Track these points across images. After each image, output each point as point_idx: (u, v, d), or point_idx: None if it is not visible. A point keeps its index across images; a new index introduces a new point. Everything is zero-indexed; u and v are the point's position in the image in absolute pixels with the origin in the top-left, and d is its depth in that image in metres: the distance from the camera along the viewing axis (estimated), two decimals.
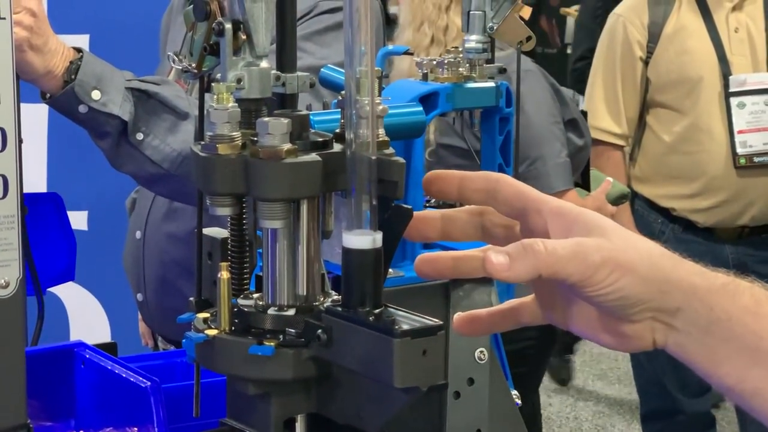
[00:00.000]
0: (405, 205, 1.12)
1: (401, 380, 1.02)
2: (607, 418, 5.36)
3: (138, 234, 2.54)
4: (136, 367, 1.51)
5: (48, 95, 2.05)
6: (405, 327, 1.03)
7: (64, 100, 2.04)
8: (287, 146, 1.07)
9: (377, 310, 1.06)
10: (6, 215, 1.03)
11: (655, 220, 4.00)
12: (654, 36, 3.99)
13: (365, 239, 1.06)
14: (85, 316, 3.16)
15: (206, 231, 1.21)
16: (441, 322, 1.06)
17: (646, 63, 3.99)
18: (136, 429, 1.44)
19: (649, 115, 4.02)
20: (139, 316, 2.74)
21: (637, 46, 3.98)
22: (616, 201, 3.60)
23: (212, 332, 1.11)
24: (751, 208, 3.90)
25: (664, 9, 4.00)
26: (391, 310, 1.07)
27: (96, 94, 2.01)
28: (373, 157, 1.06)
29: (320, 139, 1.11)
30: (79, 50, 2.06)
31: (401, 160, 1.11)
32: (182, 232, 2.41)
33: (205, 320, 1.14)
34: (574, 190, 3.23)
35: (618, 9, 4.24)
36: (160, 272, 2.48)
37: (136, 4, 3.06)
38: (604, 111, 3.98)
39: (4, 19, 1.03)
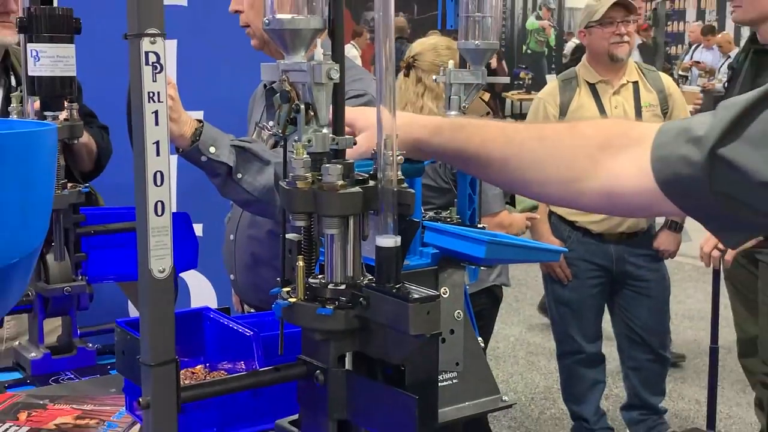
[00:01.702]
0: (414, 219, 1.15)
1: (414, 329, 1.04)
2: (535, 357, 5.33)
3: (231, 236, 2.55)
4: (242, 323, 1.53)
5: (180, 150, 2.07)
6: (416, 296, 1.05)
7: (191, 154, 2.06)
8: (340, 182, 1.09)
9: (398, 285, 1.09)
10: (163, 226, 1.05)
11: (564, 229, 3.96)
12: (563, 111, 3.95)
13: (390, 240, 1.09)
14: (201, 291, 3.17)
15: (288, 236, 1.20)
16: (438, 293, 1.09)
17: None
18: (242, 363, 1.45)
19: None
20: (232, 291, 2.75)
21: (552, 117, 3.96)
22: (531, 209, 3.65)
23: (293, 300, 1.12)
24: (626, 221, 3.86)
25: (569, 94, 3.97)
26: (407, 285, 1.09)
27: (212, 150, 2.04)
28: (395, 189, 1.09)
29: (361, 178, 1.12)
30: (200, 121, 2.08)
31: (412, 191, 1.12)
32: (259, 234, 2.43)
33: (287, 292, 1.14)
34: (505, 210, 3.24)
35: (540, 94, 4.20)
36: (245, 261, 2.50)
37: (232, 89, 3.06)
38: None
39: (162, 102, 1.03)
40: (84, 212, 2.09)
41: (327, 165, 1.10)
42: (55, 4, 2.46)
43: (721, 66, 11.57)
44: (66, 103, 2.02)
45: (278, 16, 1.14)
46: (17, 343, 2.17)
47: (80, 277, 2.07)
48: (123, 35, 1.03)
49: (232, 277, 2.61)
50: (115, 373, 2.03)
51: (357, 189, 1.10)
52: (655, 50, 12.49)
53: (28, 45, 1.94)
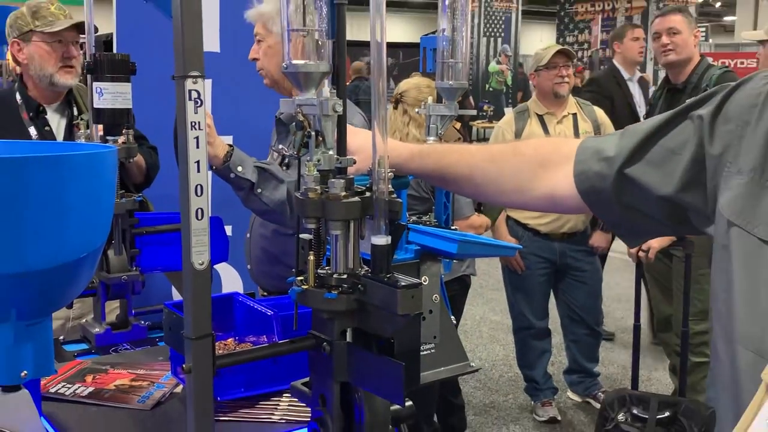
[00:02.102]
0: (401, 223, 1.15)
1: (401, 310, 1.04)
2: (495, 331, 5.34)
3: (248, 235, 2.55)
4: (264, 305, 1.52)
5: (214, 167, 2.07)
6: (403, 283, 1.05)
7: (223, 171, 2.06)
8: (343, 193, 1.09)
9: (389, 275, 1.08)
10: (203, 228, 1.05)
11: (518, 230, 3.94)
12: (518, 136, 3.93)
13: (383, 239, 1.09)
14: (231, 280, 3.16)
15: (301, 235, 1.17)
16: (420, 281, 1.09)
17: None
18: (264, 337, 1.44)
19: None
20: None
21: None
22: (499, 212, 3.66)
23: (305, 287, 1.12)
24: (568, 223, 3.85)
25: (522, 123, 3.95)
26: (396, 275, 1.08)
27: (239, 169, 2.03)
28: (386, 199, 1.09)
29: (359, 190, 1.12)
30: (231, 145, 2.08)
31: (400, 200, 1.12)
32: (267, 233, 2.42)
33: (300, 281, 1.13)
34: (476, 213, 3.23)
35: (500, 123, 4.16)
36: (258, 254, 2.49)
37: (256, 118, 3.05)
38: None
39: (202, 130, 1.03)
40: (137, 216, 2.09)
41: (333, 180, 1.10)
42: (115, 50, 2.46)
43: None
44: (124, 130, 2.02)
45: (294, 61, 1.14)
46: (83, 320, 2.17)
47: (134, 268, 2.07)
48: (171, 76, 1.03)
49: (249, 267, 2.61)
50: (162, 345, 2.02)
51: (356, 199, 1.10)
52: None
53: (94, 83, 1.94)
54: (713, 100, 1.04)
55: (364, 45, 1.10)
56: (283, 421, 1.44)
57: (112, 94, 1.93)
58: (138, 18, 2.83)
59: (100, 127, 2.01)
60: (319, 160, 1.13)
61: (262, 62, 2.39)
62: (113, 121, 1.96)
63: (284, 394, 1.52)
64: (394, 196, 1.12)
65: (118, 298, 2.08)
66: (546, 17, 25.90)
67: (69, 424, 1.45)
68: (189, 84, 1.01)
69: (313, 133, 1.14)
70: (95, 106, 1.95)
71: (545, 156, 1.26)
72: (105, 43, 3.17)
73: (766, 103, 0.98)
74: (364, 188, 1.13)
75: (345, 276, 1.12)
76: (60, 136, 2.51)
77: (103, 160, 1.25)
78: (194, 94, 1.02)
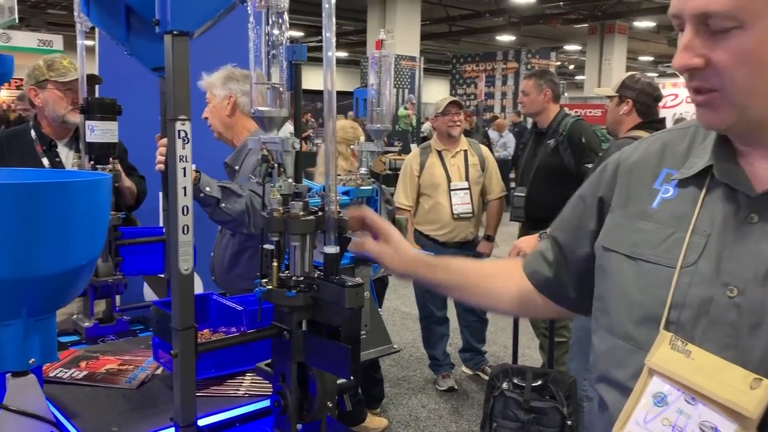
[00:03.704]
0: (346, 236, 1.14)
1: (349, 304, 1.05)
2: (405, 320, 5.36)
3: (212, 254, 2.49)
4: (234, 301, 1.50)
5: None
6: (349, 283, 1.06)
7: (194, 192, 2.00)
8: (301, 213, 1.10)
9: (338, 277, 1.09)
10: (188, 241, 1.03)
11: (422, 239, 3.97)
12: (421, 168, 4.00)
13: (333, 249, 1.10)
14: (196, 284, 3.06)
15: (265, 246, 1.15)
16: (362, 281, 1.09)
17: (418, 177, 3.99)
18: (234, 329, 1.42)
19: (421, 198, 4.01)
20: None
21: (415, 171, 4.00)
22: (405, 223, 3.68)
23: (270, 287, 1.11)
24: (459, 234, 3.91)
25: (425, 157, 3.99)
26: (343, 276, 1.10)
27: (207, 189, 1.99)
28: (336, 217, 1.10)
29: (314, 210, 1.12)
30: (197, 171, 2.04)
31: (345, 218, 1.12)
32: (226, 255, 2.36)
33: (265, 282, 1.12)
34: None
35: (408, 157, 4.16)
36: (220, 268, 2.42)
37: (213, 150, 2.99)
38: (401, 195, 3.95)
39: (189, 162, 1.02)
40: (121, 230, 2.03)
41: (293, 202, 1.11)
42: (97, 95, 2.38)
43: (498, 141, 12.03)
44: (110, 159, 1.96)
45: (260, 108, 1.14)
46: (75, 316, 2.08)
47: (118, 273, 2.00)
48: (162, 119, 1.02)
49: (213, 277, 2.55)
50: (142, 335, 1.97)
51: (312, 217, 1.10)
52: (477, 130, 12.88)
53: (87, 122, 1.88)
54: (600, 179, 1.06)
55: (312, 93, 1.11)
56: (247, 395, 1.42)
57: (101, 131, 1.87)
58: (119, 66, 2.75)
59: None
60: (281, 186, 1.13)
61: (211, 119, 2.40)
62: (102, 153, 1.91)
63: (247, 374, 1.50)
64: (343, 215, 1.13)
65: (104, 297, 2.01)
66: (442, 74, 26.46)
67: (68, 403, 1.40)
68: (178, 125, 1.01)
69: (276, 165, 1.14)
70: (87, 140, 1.89)
71: (513, 275, 1.19)
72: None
73: (634, 160, 1.02)
74: (317, 209, 1.14)
75: (302, 278, 1.12)
76: (68, 165, 2.46)
77: (100, 186, 1.22)
78: (182, 134, 1.01)
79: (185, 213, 1.03)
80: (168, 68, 0.98)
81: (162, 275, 2.11)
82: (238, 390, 1.42)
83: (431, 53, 22.77)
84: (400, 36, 13.83)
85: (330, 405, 1.16)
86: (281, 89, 1.14)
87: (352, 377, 1.19)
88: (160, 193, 2.86)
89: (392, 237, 1.20)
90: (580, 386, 3.04)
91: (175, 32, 0.94)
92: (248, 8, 1.09)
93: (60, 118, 2.41)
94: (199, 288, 3.08)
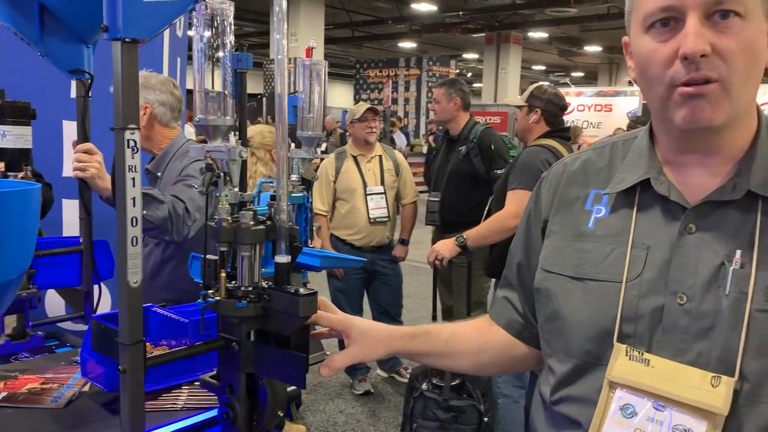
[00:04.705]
0: (298, 244, 1.12)
1: (302, 312, 1.04)
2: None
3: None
4: (175, 312, 1.45)
5: (104, 198, 1.94)
6: (303, 292, 1.05)
7: (112, 200, 1.91)
8: (251, 222, 1.08)
9: (290, 286, 1.08)
10: (137, 253, 1.00)
11: (339, 243, 3.99)
12: (337, 173, 4.02)
13: (284, 258, 1.09)
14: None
15: (208, 257, 1.12)
16: (316, 290, 1.07)
17: (334, 182, 3.99)
18: (174, 342, 1.38)
19: (337, 203, 4.02)
20: None
21: (331, 176, 4.00)
22: (317, 231, 3.66)
23: (218, 297, 1.08)
24: (375, 238, 3.96)
25: (341, 162, 4.02)
26: (295, 286, 1.08)
27: None
28: (287, 226, 1.10)
29: (263, 219, 1.11)
30: None
31: (297, 227, 1.11)
32: (146, 267, 2.29)
33: (212, 293, 1.08)
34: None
35: (324, 162, 4.11)
36: (144, 278, 2.33)
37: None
38: (317, 200, 3.94)
39: (138, 172, 0.98)
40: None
41: (243, 211, 1.09)
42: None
43: (406, 145, 12.64)
44: (23, 166, 1.85)
45: (206, 116, 1.12)
46: None
47: (32, 286, 1.89)
48: (110, 128, 0.98)
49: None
50: (60, 351, 1.87)
51: (261, 227, 1.09)
52: (384, 135, 13.18)
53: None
54: (536, 209, 1.10)
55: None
56: (185, 408, 1.38)
57: (14, 136, 1.76)
58: (17, 67, 2.59)
59: (1, 164, 1.83)
60: (227, 195, 1.11)
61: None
62: (14, 159, 1.79)
63: (182, 386, 1.46)
64: (294, 224, 1.13)
65: (16, 312, 1.89)
66: (345, 78, 26.53)
67: None
68: (128, 134, 0.97)
69: (222, 174, 1.12)
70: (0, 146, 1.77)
71: (482, 332, 1.19)
72: None
73: (561, 182, 1.07)
74: (266, 218, 1.12)
75: (251, 288, 1.10)
76: None
77: (30, 196, 1.16)
78: (131, 143, 0.98)
79: (134, 224, 1.00)
80: (116, 77, 0.95)
81: (79, 288, 2.01)
82: (176, 403, 1.39)
83: (335, 57, 22.79)
84: (303, 39, 13.77)
85: (281, 414, 1.15)
86: (226, 97, 1.13)
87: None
88: (63, 201, 2.72)
89: (353, 329, 1.14)
90: (495, 383, 3.15)
91: (126, 39, 0.91)
92: (193, 15, 1.07)
93: None
94: (106, 300, 2.94)
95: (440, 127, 5.53)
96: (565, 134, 3.08)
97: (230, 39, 1.13)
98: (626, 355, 0.87)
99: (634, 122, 9.08)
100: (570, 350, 0.96)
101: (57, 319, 2.06)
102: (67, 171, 2.59)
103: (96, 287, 2.04)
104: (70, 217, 2.61)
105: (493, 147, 3.68)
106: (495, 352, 1.15)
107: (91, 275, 1.97)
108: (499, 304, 1.18)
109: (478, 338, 1.16)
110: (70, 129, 2.61)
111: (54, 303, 2.49)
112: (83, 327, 2.04)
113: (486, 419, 2.93)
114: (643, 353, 0.87)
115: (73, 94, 2.62)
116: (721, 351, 0.83)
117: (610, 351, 0.89)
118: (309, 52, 1.69)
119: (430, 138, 14.04)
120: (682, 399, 0.82)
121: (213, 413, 1.29)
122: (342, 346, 1.18)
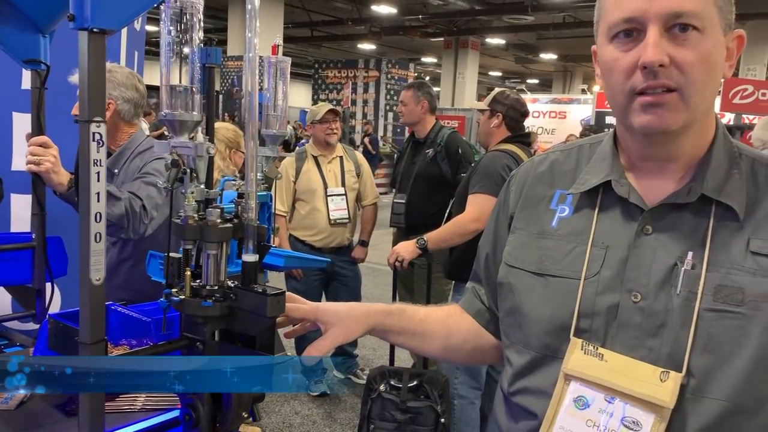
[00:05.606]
0: (266, 244, 1.12)
1: (270, 312, 1.03)
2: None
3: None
4: (137, 311, 1.41)
5: (58, 193, 1.89)
6: (270, 292, 1.04)
7: (67, 196, 1.89)
8: (218, 220, 1.07)
9: (257, 285, 1.07)
10: (101, 250, 0.98)
11: (298, 244, 3.96)
12: (297, 174, 3.99)
13: (252, 257, 1.08)
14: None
15: (171, 255, 1.10)
16: (284, 290, 1.07)
17: (294, 183, 3.97)
18: (135, 341, 1.34)
19: (297, 203, 4.00)
20: None
21: (291, 177, 3.97)
22: (276, 232, 3.63)
23: (182, 296, 1.06)
24: (335, 240, 3.96)
25: (301, 162, 3.99)
26: (263, 285, 1.07)
27: None
28: (255, 225, 1.09)
29: (229, 217, 1.09)
30: (72, 173, 1.91)
31: (265, 227, 1.10)
32: (108, 262, 2.23)
33: (176, 291, 1.07)
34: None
35: (284, 162, 4.09)
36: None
37: None
38: (278, 201, 3.90)
39: (103, 166, 0.96)
40: None
41: (210, 209, 1.07)
42: None
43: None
44: None
45: (173, 111, 1.10)
46: None
47: None
48: (75, 120, 0.95)
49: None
50: (8, 351, 1.80)
51: (228, 225, 1.08)
52: (344, 136, 13.18)
53: None
54: (504, 206, 1.12)
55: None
56: (144, 410, 1.35)
57: None
58: None
59: None
60: (193, 192, 1.09)
61: None
62: None
63: None
64: (260, 224, 1.11)
65: None
66: (303, 78, 26.38)
67: None
68: (93, 128, 0.95)
69: (188, 170, 1.10)
70: None
71: (455, 319, 1.20)
72: None
73: (528, 180, 1.10)
74: (233, 216, 1.11)
75: (216, 287, 1.08)
76: None
77: None
78: (97, 136, 0.95)
79: (98, 220, 0.97)
80: (82, 68, 0.92)
81: (30, 285, 1.94)
82: (134, 404, 1.35)
83: (293, 56, 22.66)
84: (262, 37, 13.64)
85: (245, 415, 1.13)
86: (194, 92, 1.11)
87: None
88: (12, 196, 2.63)
89: (326, 314, 1.16)
90: (451, 385, 3.18)
91: (94, 29, 0.89)
92: (161, 9, 1.05)
93: None
94: (57, 300, 2.85)
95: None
96: (526, 139, 3.13)
97: (199, 34, 1.11)
98: (581, 350, 0.91)
99: (587, 130, 9.29)
100: (528, 343, 0.99)
101: (4, 318, 1.99)
102: (17, 165, 2.50)
103: (48, 285, 1.98)
104: (20, 212, 2.52)
105: (460, 151, 3.72)
106: (465, 337, 1.17)
107: (44, 273, 1.91)
108: (469, 294, 1.21)
109: (450, 323, 1.18)
110: (20, 121, 2.53)
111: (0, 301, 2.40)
112: (33, 326, 1.97)
113: (443, 420, 2.95)
114: (597, 348, 0.90)
115: (24, 85, 2.54)
116: (671, 347, 0.87)
117: (566, 345, 0.93)
118: (275, 49, 1.67)
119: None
120: (632, 392, 0.86)
121: (174, 414, 1.26)
122: (299, 344, 1.19)
